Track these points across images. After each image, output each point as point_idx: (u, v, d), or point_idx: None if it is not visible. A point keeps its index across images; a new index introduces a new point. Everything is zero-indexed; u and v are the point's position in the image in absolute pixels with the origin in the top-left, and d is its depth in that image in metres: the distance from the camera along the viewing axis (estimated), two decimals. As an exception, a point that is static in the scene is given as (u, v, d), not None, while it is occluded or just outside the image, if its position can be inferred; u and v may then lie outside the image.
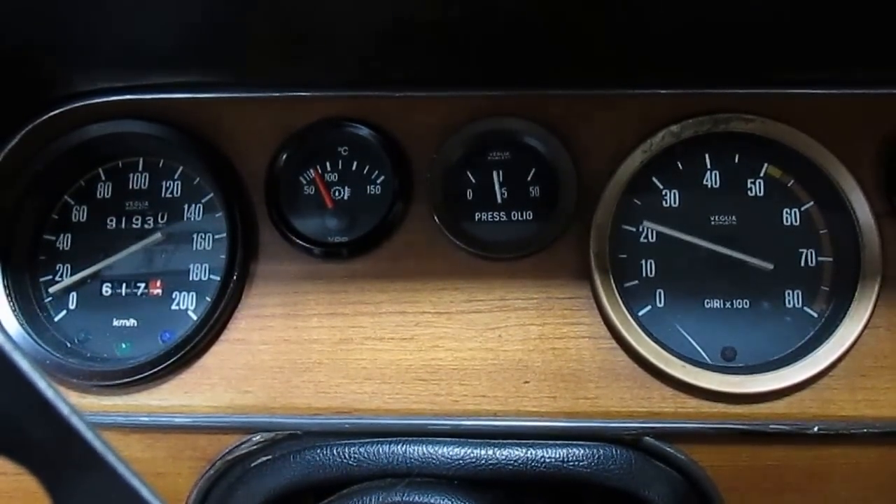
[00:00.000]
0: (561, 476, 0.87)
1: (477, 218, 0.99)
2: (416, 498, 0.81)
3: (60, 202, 1.05)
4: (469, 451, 0.87)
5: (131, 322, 1.00)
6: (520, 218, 0.99)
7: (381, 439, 0.89)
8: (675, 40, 0.92)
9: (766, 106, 0.97)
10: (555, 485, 0.88)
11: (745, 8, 0.83)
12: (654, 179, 0.99)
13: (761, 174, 0.99)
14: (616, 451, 0.88)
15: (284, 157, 1.00)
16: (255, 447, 0.92)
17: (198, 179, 1.04)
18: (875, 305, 0.90)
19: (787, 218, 0.97)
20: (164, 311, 1.00)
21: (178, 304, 1.00)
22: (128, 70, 1.02)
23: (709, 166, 0.99)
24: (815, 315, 0.94)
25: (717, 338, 0.94)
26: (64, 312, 1.01)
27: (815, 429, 0.88)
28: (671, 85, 0.99)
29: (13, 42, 0.90)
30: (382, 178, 1.01)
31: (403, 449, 0.88)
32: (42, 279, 1.02)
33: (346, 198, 1.02)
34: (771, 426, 0.88)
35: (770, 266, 0.95)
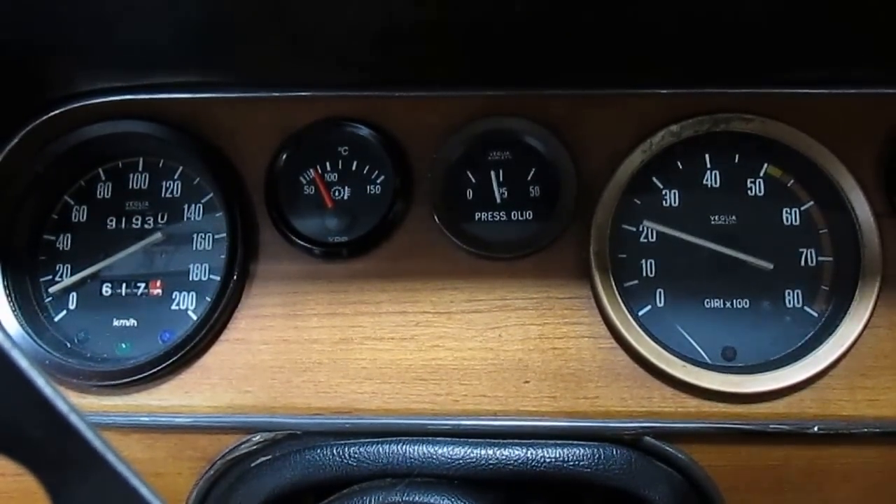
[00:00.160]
0: (561, 476, 0.87)
1: (477, 218, 0.99)
2: (417, 498, 0.81)
3: (60, 202, 1.05)
4: (469, 450, 0.87)
5: (131, 322, 1.00)
6: (520, 217, 0.99)
7: (381, 439, 0.89)
8: (675, 40, 0.92)
9: (766, 106, 0.97)
10: (555, 484, 0.88)
11: (745, 8, 0.83)
12: (654, 179, 0.99)
13: (761, 174, 0.99)
14: (616, 450, 0.88)
15: (284, 157, 1.01)
16: (255, 447, 0.92)
17: (198, 179, 1.04)
18: (875, 305, 0.90)
19: (787, 218, 0.97)
20: (164, 311, 1.00)
21: (177, 304, 1.00)
22: (127, 70, 1.02)
23: (709, 166, 0.99)
24: (816, 315, 0.94)
25: (717, 337, 0.94)
26: (64, 312, 1.01)
27: (815, 429, 0.88)
28: (671, 85, 0.99)
29: (13, 42, 0.90)
30: (382, 177, 1.01)
31: (404, 449, 0.88)
32: (42, 279, 1.02)
33: (346, 198, 1.01)
34: (771, 426, 0.88)
35: (770, 266, 0.95)
